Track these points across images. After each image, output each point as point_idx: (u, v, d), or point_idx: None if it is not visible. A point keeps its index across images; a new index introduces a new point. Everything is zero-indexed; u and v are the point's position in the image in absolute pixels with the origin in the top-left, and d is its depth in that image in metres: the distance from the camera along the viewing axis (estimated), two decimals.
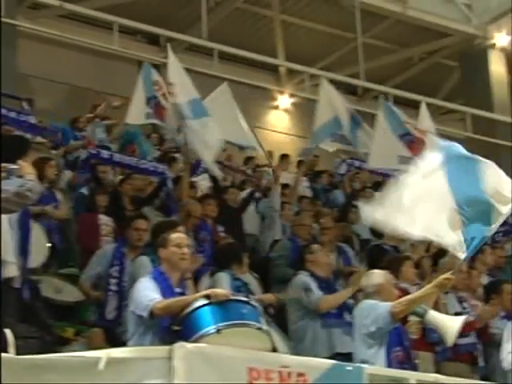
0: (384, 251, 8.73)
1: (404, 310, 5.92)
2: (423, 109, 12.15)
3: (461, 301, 7.73)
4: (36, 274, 7.32)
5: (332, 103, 10.92)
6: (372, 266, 8.00)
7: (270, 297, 7.51)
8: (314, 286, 7.28)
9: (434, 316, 6.03)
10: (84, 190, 9.89)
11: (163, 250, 5.70)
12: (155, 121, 10.68)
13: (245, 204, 10.83)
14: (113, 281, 7.30)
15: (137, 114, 10.45)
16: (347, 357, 6.43)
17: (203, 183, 11.36)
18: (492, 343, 7.61)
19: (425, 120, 11.86)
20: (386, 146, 10.86)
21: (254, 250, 9.85)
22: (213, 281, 7.29)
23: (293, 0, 17.31)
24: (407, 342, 6.15)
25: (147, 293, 5.37)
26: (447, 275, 5.95)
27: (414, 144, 10.90)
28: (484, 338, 7.62)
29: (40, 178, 8.67)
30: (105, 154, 10.36)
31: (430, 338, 7.02)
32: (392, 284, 6.32)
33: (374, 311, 5.96)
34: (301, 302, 7.26)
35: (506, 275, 9.76)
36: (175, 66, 9.88)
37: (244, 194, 11.28)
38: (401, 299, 6.01)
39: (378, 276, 6.32)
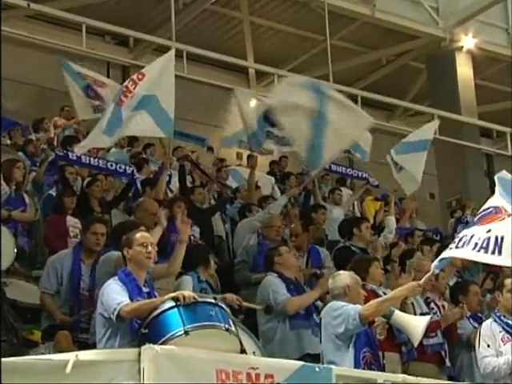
0: (352, 252, 8.77)
1: (373, 312, 5.94)
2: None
3: (428, 302, 7.79)
4: (2, 276, 7.27)
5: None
6: (339, 267, 8.08)
7: (231, 297, 7.50)
8: (282, 287, 7.31)
9: (400, 316, 6.08)
10: (52, 192, 9.83)
11: (128, 250, 5.69)
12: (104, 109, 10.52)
13: (217, 206, 10.84)
14: (81, 291, 7.10)
15: (84, 108, 10.52)
16: (317, 358, 6.46)
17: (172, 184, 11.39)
18: (459, 343, 7.68)
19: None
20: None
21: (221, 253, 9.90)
22: (177, 284, 7.28)
23: (262, 2, 17.34)
24: (375, 342, 6.19)
25: (114, 295, 5.37)
26: (419, 282, 6.01)
27: None
28: (451, 339, 7.68)
29: (8, 181, 8.71)
30: (73, 155, 10.31)
31: (397, 338, 7.05)
32: (359, 285, 6.35)
33: (343, 313, 5.97)
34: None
35: (472, 276, 9.87)
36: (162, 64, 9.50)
37: (211, 194, 11.32)
38: (370, 302, 6.03)
39: (344, 277, 6.34)
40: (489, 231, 5.84)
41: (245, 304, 7.33)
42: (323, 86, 9.57)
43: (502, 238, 5.76)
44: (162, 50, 16.40)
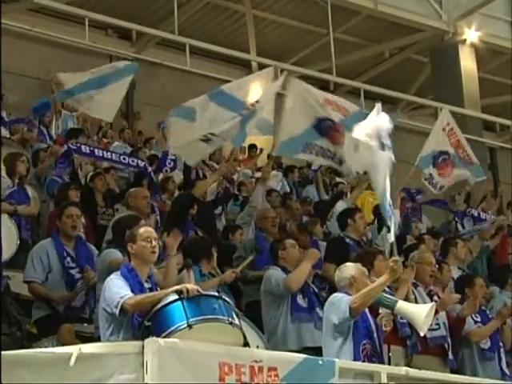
0: (345, 244, 8.77)
1: (362, 303, 5.94)
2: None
3: (431, 295, 7.77)
4: (5, 269, 7.27)
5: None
6: (331, 257, 8.25)
7: (229, 274, 7.51)
8: None
9: (403, 307, 6.08)
10: (57, 178, 9.82)
11: (132, 245, 5.69)
12: None
13: (220, 199, 10.84)
14: (72, 271, 7.16)
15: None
16: (316, 350, 6.48)
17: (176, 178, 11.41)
18: (459, 337, 7.67)
19: None
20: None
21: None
22: (179, 277, 7.27)
23: None
24: (376, 334, 6.18)
25: (117, 290, 5.36)
26: (393, 258, 6.02)
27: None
28: (456, 333, 7.66)
29: (11, 174, 8.72)
30: (86, 148, 10.27)
31: (401, 332, 7.04)
32: (365, 276, 6.36)
33: (337, 304, 6.01)
34: (273, 294, 7.28)
35: (475, 269, 9.86)
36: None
37: (214, 188, 11.31)
38: (357, 294, 6.03)
39: (350, 269, 6.36)
40: None
41: (240, 268, 7.63)
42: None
43: None
44: (164, 43, 16.46)
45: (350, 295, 6.12)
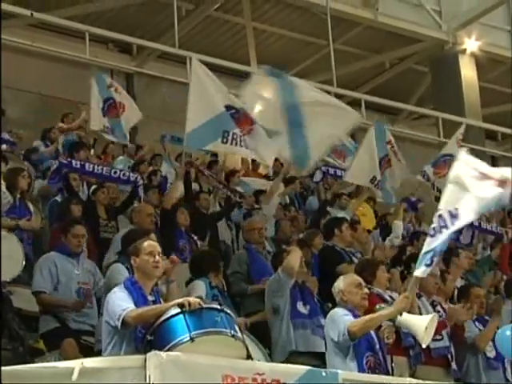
0: (335, 252, 8.77)
1: (361, 328, 5.91)
2: None
3: (434, 305, 7.76)
4: (7, 284, 7.28)
5: None
6: (324, 267, 8.35)
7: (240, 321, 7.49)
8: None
9: (405, 318, 6.05)
10: (58, 198, 9.85)
11: (136, 258, 5.69)
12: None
13: (223, 211, 10.83)
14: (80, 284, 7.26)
15: (97, 121, 10.71)
16: (305, 355, 6.65)
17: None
18: (465, 346, 7.65)
19: None
20: (365, 165, 11.00)
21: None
22: (189, 288, 7.26)
23: (264, 8, 17.37)
24: (378, 346, 6.16)
25: (120, 302, 5.35)
26: (405, 294, 5.98)
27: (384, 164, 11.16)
28: (458, 341, 7.64)
29: (12, 189, 8.71)
30: (76, 163, 10.32)
31: (404, 342, 7.03)
32: (354, 284, 6.31)
33: (337, 323, 5.99)
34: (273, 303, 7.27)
35: (476, 278, 9.84)
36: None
37: (217, 201, 11.32)
38: (359, 318, 6.00)
39: (338, 283, 6.36)
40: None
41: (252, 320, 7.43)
42: (292, 80, 9.39)
43: (456, 208, 5.77)
44: (165, 57, 16.50)
45: (349, 309, 6.11)
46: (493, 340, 7.27)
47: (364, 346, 6.00)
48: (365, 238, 10.06)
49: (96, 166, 10.48)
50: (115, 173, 10.49)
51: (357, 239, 9.61)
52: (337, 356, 5.98)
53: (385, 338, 6.17)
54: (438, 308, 7.70)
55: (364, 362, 5.95)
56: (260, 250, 8.79)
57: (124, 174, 10.51)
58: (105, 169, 10.52)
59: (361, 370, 5.88)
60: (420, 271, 5.84)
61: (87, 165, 10.38)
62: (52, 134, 12.30)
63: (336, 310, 6.18)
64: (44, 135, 12.36)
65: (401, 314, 5.97)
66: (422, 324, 5.94)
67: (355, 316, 6.06)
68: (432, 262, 5.80)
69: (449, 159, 11.43)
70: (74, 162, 10.35)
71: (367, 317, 6.01)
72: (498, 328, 7.32)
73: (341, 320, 5.97)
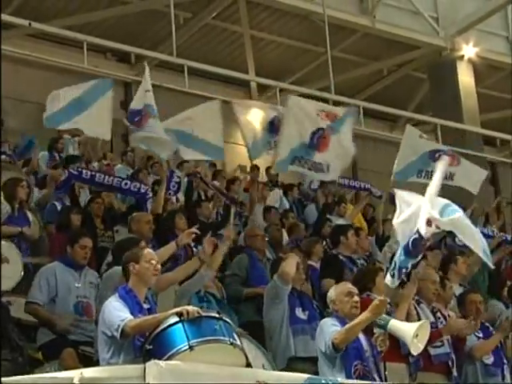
0: (339, 261, 8.78)
1: (343, 339, 5.91)
2: None
3: (434, 311, 7.75)
4: (6, 294, 7.27)
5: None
6: (326, 273, 8.37)
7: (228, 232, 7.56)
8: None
9: (394, 325, 6.05)
10: (57, 204, 9.82)
11: (135, 265, 5.69)
12: None
13: (224, 220, 10.83)
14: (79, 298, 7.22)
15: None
16: (304, 360, 6.67)
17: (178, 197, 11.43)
18: (463, 354, 7.62)
19: None
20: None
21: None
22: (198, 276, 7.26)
23: (262, 15, 17.40)
24: (369, 354, 6.15)
25: (117, 313, 5.35)
26: (380, 298, 5.99)
27: None
28: (459, 350, 7.62)
29: (11, 199, 8.72)
30: (87, 173, 10.16)
31: (403, 349, 7.01)
32: (345, 293, 6.31)
33: (324, 335, 6.02)
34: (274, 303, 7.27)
35: (475, 285, 9.82)
36: None
37: (216, 209, 11.31)
38: (341, 329, 5.98)
39: (329, 293, 6.39)
40: None
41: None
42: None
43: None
44: (163, 65, 16.52)
45: (340, 319, 6.13)
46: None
47: (352, 355, 5.99)
48: (368, 245, 10.06)
49: (107, 177, 10.33)
50: (126, 184, 10.29)
51: (360, 246, 9.60)
52: (325, 365, 6.01)
53: (378, 345, 6.18)
54: (438, 315, 7.68)
55: (352, 370, 5.94)
56: (260, 258, 8.79)
57: (135, 186, 10.33)
58: (115, 180, 10.35)
59: (349, 378, 5.88)
60: (388, 280, 5.98)
61: (98, 175, 10.24)
62: (59, 145, 12.29)
63: (326, 319, 6.22)
64: (51, 145, 12.33)
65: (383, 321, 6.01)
66: (410, 330, 5.94)
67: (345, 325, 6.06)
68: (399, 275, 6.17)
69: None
70: (84, 172, 10.16)
71: (347, 326, 6.01)
72: (500, 343, 7.37)
73: (327, 331, 6.00)
